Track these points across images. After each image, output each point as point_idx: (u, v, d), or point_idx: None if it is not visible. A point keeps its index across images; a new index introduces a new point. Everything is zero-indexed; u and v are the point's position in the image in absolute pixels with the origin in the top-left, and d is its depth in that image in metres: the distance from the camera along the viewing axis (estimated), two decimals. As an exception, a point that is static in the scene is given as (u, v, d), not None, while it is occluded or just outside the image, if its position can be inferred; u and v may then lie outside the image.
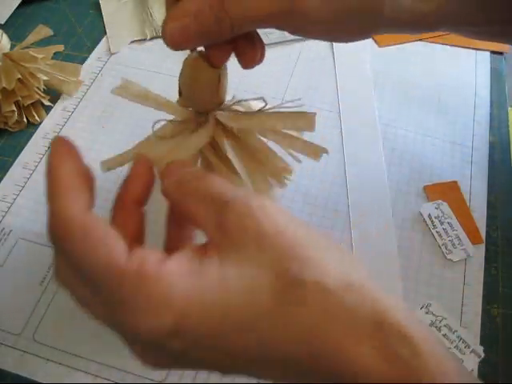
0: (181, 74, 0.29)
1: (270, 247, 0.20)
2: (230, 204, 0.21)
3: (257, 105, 0.32)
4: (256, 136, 0.32)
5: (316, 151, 0.32)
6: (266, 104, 0.30)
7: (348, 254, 0.22)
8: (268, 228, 0.20)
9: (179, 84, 0.30)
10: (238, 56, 0.29)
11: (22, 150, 0.42)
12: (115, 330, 0.21)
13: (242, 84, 0.46)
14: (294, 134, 0.33)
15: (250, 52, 0.28)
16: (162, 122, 0.32)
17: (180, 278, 0.19)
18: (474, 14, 0.29)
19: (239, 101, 0.32)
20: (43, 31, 0.45)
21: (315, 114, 0.31)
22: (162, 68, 0.48)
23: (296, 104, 0.31)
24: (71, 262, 0.21)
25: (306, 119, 0.31)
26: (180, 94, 0.31)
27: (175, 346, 0.20)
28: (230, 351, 0.20)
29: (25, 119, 0.43)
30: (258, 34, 0.29)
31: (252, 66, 0.29)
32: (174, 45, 0.25)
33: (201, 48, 0.28)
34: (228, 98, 0.32)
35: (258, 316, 0.19)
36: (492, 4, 0.29)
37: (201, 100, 0.30)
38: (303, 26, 0.25)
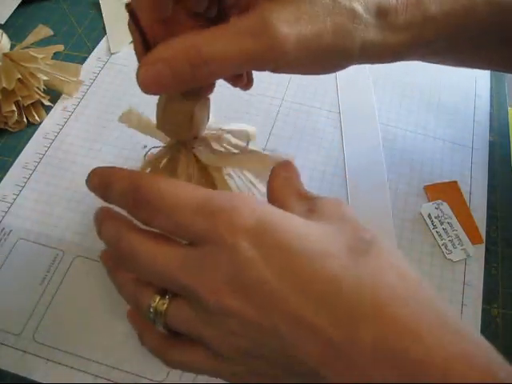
0: (158, 101, 0.29)
1: (349, 220, 0.24)
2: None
3: (238, 137, 0.32)
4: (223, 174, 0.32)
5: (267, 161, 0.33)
6: (247, 144, 0.31)
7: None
8: (349, 211, 0.25)
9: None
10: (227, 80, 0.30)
11: (21, 150, 0.42)
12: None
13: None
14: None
15: (236, 78, 0.29)
16: (153, 150, 0.34)
17: (268, 206, 0.24)
18: (451, 43, 0.30)
19: (221, 131, 0.32)
20: (43, 31, 0.45)
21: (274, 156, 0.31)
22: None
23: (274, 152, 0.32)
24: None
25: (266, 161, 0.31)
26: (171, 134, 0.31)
27: (250, 253, 0.22)
28: (297, 274, 0.22)
29: (25, 119, 0.43)
30: None
31: (244, 85, 0.31)
32: (148, 90, 0.25)
33: None
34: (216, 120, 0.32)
35: (326, 253, 0.22)
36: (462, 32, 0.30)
37: (173, 131, 0.30)
38: (281, 65, 0.25)
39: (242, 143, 0.32)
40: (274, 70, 0.26)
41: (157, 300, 0.25)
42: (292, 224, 0.23)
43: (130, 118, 0.33)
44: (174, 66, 0.24)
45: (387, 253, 0.23)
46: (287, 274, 0.22)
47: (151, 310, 0.25)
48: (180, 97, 0.28)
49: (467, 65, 0.38)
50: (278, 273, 0.22)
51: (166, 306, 0.25)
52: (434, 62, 0.36)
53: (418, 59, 0.33)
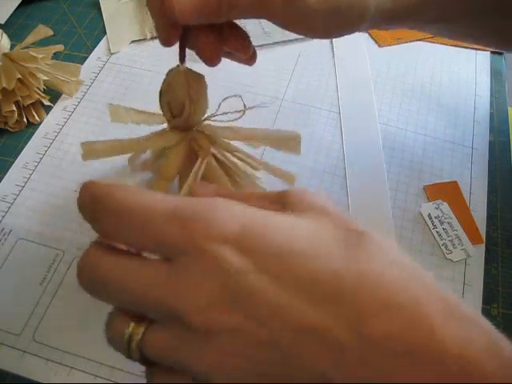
0: (172, 92, 0.29)
1: (331, 211, 0.23)
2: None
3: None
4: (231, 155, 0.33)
5: (289, 177, 0.34)
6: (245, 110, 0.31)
7: None
8: (324, 200, 0.24)
9: (170, 105, 0.30)
10: (232, 51, 0.30)
11: (22, 150, 0.42)
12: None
13: (241, 84, 0.46)
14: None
15: (242, 43, 0.29)
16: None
17: (247, 207, 0.22)
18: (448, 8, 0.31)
19: (218, 114, 0.32)
20: (43, 31, 0.45)
21: (299, 136, 0.32)
22: (162, 68, 0.48)
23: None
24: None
25: (292, 142, 0.32)
26: (173, 115, 0.31)
27: (236, 260, 0.20)
28: (295, 277, 0.20)
29: (25, 119, 0.43)
30: (247, 35, 0.30)
31: (249, 58, 0.30)
32: (182, 17, 0.25)
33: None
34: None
35: (319, 248, 0.21)
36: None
37: (200, 111, 0.30)
38: (297, 15, 0.26)
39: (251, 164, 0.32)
40: (289, 22, 0.26)
41: (131, 327, 0.22)
42: (278, 224, 0.21)
43: (119, 114, 0.33)
44: None
45: (379, 242, 0.22)
46: (284, 279, 0.20)
47: (125, 338, 0.22)
48: (195, 73, 0.29)
49: (460, 37, 0.39)
50: (273, 279, 0.20)
51: (141, 333, 0.22)
52: (430, 32, 0.36)
53: (419, 27, 0.33)
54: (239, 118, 0.31)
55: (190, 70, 0.29)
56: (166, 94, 0.30)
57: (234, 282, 0.20)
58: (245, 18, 0.27)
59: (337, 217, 0.23)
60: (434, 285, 0.21)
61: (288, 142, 0.32)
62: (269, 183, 0.35)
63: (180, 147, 0.32)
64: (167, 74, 0.30)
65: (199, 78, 0.29)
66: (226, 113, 0.32)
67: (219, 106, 0.32)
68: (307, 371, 0.20)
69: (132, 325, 0.22)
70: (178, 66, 0.29)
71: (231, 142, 0.33)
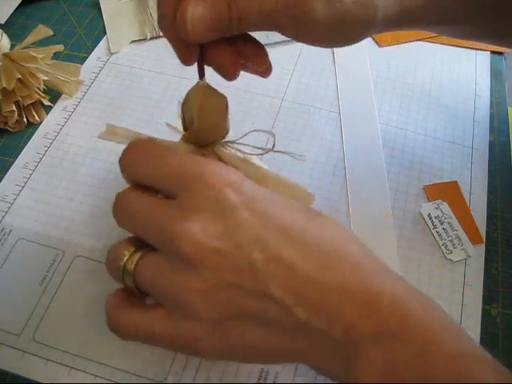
0: (187, 105, 0.29)
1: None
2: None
3: (251, 150, 0.32)
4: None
5: (307, 197, 0.34)
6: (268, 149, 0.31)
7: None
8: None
9: (184, 117, 0.30)
10: (249, 63, 0.30)
11: (22, 150, 0.42)
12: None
13: (241, 84, 0.46)
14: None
15: (258, 55, 0.29)
16: None
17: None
18: (458, 10, 0.31)
19: (236, 140, 0.32)
20: (43, 31, 0.45)
21: (312, 199, 0.33)
22: (162, 68, 0.48)
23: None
24: None
25: (305, 196, 0.32)
26: (186, 128, 0.31)
27: (234, 197, 0.24)
28: (276, 222, 0.24)
29: (25, 119, 0.43)
30: (263, 47, 0.30)
31: (265, 70, 0.31)
32: (195, 36, 0.26)
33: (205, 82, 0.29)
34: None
35: (293, 205, 0.26)
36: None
37: (209, 130, 0.30)
38: (305, 27, 0.26)
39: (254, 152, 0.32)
40: (297, 33, 0.27)
41: (129, 252, 0.26)
42: (268, 192, 0.26)
43: (115, 133, 0.33)
44: (215, 4, 0.25)
45: (331, 218, 0.27)
46: (265, 216, 0.24)
47: (122, 262, 0.25)
48: (215, 92, 0.29)
49: (462, 37, 0.39)
50: (257, 215, 0.24)
51: (137, 259, 0.25)
52: (432, 32, 0.38)
53: (436, 28, 0.35)
54: (259, 154, 0.31)
55: (209, 88, 0.29)
56: (183, 105, 0.30)
57: (230, 214, 0.24)
58: (255, 30, 0.27)
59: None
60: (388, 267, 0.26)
61: (299, 198, 0.32)
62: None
63: None
64: (192, 87, 0.30)
65: (218, 97, 0.29)
66: (247, 144, 0.31)
67: (244, 135, 0.31)
68: (273, 300, 0.23)
69: (132, 249, 0.26)
70: (199, 81, 0.29)
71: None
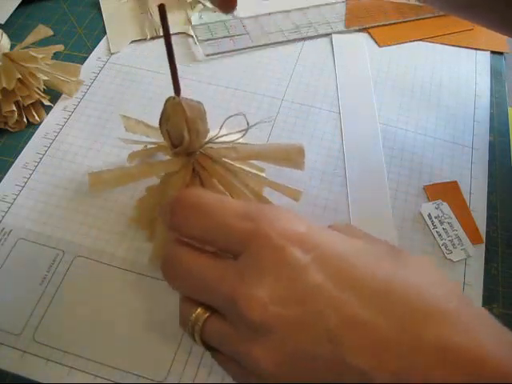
0: (171, 123, 0.30)
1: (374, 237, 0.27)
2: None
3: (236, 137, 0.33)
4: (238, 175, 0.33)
5: (295, 194, 0.34)
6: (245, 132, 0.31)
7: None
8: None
9: (169, 135, 0.30)
10: None
11: (22, 150, 0.42)
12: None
13: (241, 84, 0.46)
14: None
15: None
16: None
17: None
18: None
19: (220, 136, 0.32)
20: (43, 31, 0.45)
21: (303, 149, 0.32)
22: (162, 68, 0.48)
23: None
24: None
25: (296, 156, 0.33)
26: (174, 145, 0.31)
27: (301, 256, 0.22)
28: (343, 274, 0.22)
29: (25, 119, 0.43)
30: None
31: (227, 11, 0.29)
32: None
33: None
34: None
35: (369, 255, 0.23)
36: None
37: (198, 138, 0.30)
38: None
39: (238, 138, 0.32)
40: None
41: (197, 312, 0.25)
42: (335, 235, 0.24)
43: (131, 125, 0.34)
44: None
45: (415, 256, 0.24)
46: (339, 277, 0.22)
47: (190, 323, 0.25)
48: (193, 102, 0.29)
49: (473, 19, 0.38)
50: (330, 277, 0.21)
51: (203, 319, 0.24)
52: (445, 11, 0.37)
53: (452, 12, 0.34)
54: (241, 137, 0.31)
55: (186, 100, 0.29)
56: (165, 123, 0.30)
57: (298, 277, 0.21)
58: None
59: (378, 239, 0.26)
60: (466, 297, 0.23)
61: (292, 155, 0.32)
62: (275, 199, 0.35)
63: (184, 172, 0.32)
64: (165, 103, 0.30)
65: (196, 106, 0.29)
66: (227, 134, 0.32)
67: (221, 128, 0.31)
68: (355, 370, 0.20)
69: (198, 310, 0.25)
70: (174, 97, 0.29)
71: (234, 163, 0.33)
